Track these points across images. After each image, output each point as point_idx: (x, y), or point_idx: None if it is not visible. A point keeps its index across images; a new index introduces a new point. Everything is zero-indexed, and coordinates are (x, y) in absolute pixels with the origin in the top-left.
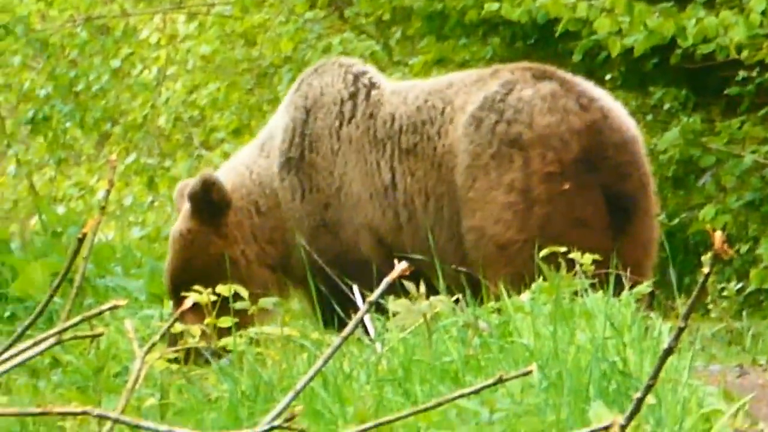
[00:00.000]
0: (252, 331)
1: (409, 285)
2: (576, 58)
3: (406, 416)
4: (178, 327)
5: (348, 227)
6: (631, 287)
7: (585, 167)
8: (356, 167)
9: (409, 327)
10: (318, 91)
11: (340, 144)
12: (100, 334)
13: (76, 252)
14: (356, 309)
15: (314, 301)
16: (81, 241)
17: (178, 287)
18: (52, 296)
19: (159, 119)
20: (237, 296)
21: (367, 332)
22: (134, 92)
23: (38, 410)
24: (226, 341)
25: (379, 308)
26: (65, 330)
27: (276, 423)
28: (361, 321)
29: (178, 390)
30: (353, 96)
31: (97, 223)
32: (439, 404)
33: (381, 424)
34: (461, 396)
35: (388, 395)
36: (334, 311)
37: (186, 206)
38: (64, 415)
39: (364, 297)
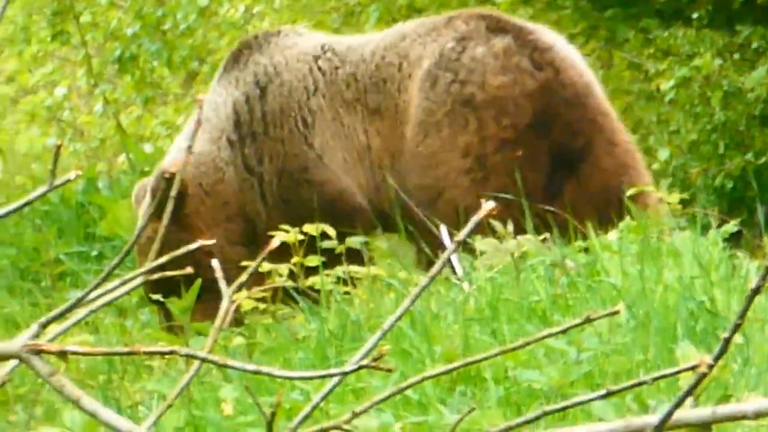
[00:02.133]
0: (339, 270)
1: (496, 224)
2: None
3: (494, 356)
4: (266, 266)
5: (336, 183)
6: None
7: (537, 132)
8: (336, 134)
9: (497, 266)
10: (271, 69)
11: (312, 116)
12: (189, 273)
13: (165, 191)
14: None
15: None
16: (169, 180)
17: (157, 293)
18: (139, 235)
19: None
20: (324, 235)
21: (454, 271)
22: (221, 31)
23: (126, 350)
24: (314, 280)
25: (467, 247)
26: (153, 269)
27: (363, 362)
28: (449, 260)
29: (266, 329)
30: (311, 70)
31: (184, 163)
32: (527, 343)
33: (468, 364)
34: (549, 335)
35: (475, 334)
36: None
37: (146, 206)
38: (151, 354)
39: (451, 236)
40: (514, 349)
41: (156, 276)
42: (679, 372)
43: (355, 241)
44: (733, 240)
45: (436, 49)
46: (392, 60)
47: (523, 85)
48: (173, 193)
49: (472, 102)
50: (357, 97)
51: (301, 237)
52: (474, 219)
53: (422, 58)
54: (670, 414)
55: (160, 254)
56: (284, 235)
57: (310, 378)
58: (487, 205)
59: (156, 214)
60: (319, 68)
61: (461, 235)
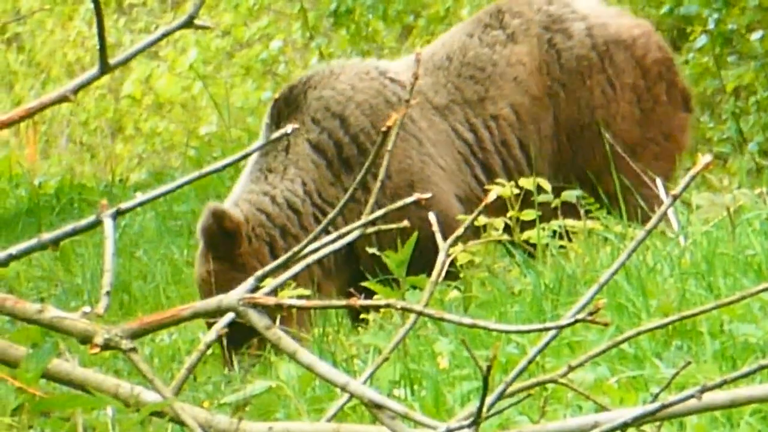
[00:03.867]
0: (555, 223)
1: (712, 177)
2: None
3: (710, 309)
4: (482, 219)
5: (438, 204)
6: None
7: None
8: (434, 142)
9: (712, 220)
10: (340, 97)
11: (403, 128)
12: (405, 227)
13: (380, 145)
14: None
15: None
16: (385, 134)
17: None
18: (354, 191)
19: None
20: (540, 189)
21: (670, 225)
22: None
23: (342, 302)
24: (529, 234)
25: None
26: (369, 222)
27: (579, 316)
28: (665, 214)
29: (481, 283)
30: (385, 85)
31: (403, 115)
32: (743, 297)
33: (684, 318)
34: (765, 290)
35: (691, 288)
36: (637, 205)
37: (200, 247)
38: (367, 307)
39: (667, 190)
40: (730, 303)
41: (372, 229)
42: None
43: (571, 194)
44: None
45: (536, 15)
46: (480, 51)
47: (641, 26)
48: (221, 228)
49: (619, 40)
50: (451, 99)
51: (516, 191)
52: (692, 172)
53: (519, 30)
54: None
55: (214, 293)
56: (499, 189)
57: (526, 332)
58: (705, 159)
59: (208, 252)
60: (393, 80)
61: (679, 188)
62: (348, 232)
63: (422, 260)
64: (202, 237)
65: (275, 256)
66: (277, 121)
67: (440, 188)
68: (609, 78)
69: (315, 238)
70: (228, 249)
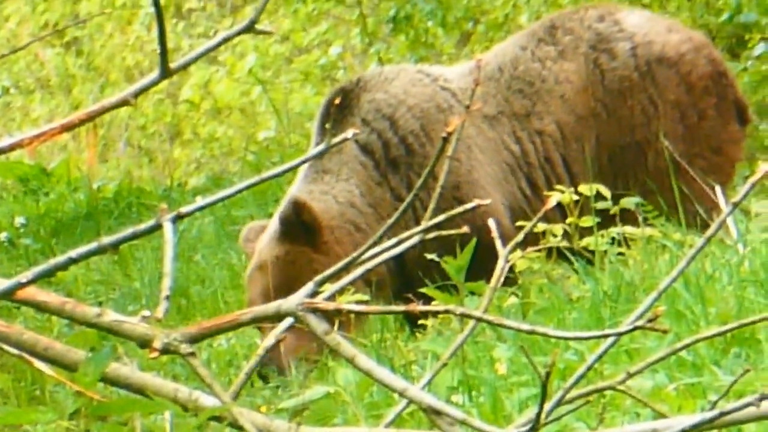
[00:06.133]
0: (614, 230)
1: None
2: None
3: None
4: (541, 226)
5: (482, 197)
6: None
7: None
8: (482, 148)
9: None
10: (393, 100)
11: (454, 132)
12: (465, 233)
13: (440, 152)
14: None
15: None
16: (446, 140)
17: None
18: (416, 195)
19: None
20: (599, 195)
21: (729, 233)
22: None
23: (401, 308)
24: (588, 241)
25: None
26: (430, 228)
27: (638, 323)
28: (724, 222)
29: (539, 289)
30: (437, 91)
31: (462, 122)
32: None
33: (744, 326)
34: None
35: (750, 296)
36: (696, 213)
37: (273, 233)
38: (426, 313)
39: (727, 198)
40: None
41: (432, 234)
42: None
43: (630, 201)
44: None
45: (585, 33)
46: (530, 65)
47: (691, 40)
48: (300, 219)
49: (663, 59)
50: (500, 110)
51: (576, 197)
52: (751, 180)
53: (569, 48)
54: None
55: (290, 270)
56: (559, 195)
57: (585, 338)
58: (764, 167)
59: (285, 239)
60: (444, 88)
61: (739, 196)
62: (408, 237)
63: (477, 268)
64: (282, 225)
65: (355, 248)
66: (329, 122)
67: (488, 193)
68: (650, 96)
69: (375, 243)
70: (307, 238)
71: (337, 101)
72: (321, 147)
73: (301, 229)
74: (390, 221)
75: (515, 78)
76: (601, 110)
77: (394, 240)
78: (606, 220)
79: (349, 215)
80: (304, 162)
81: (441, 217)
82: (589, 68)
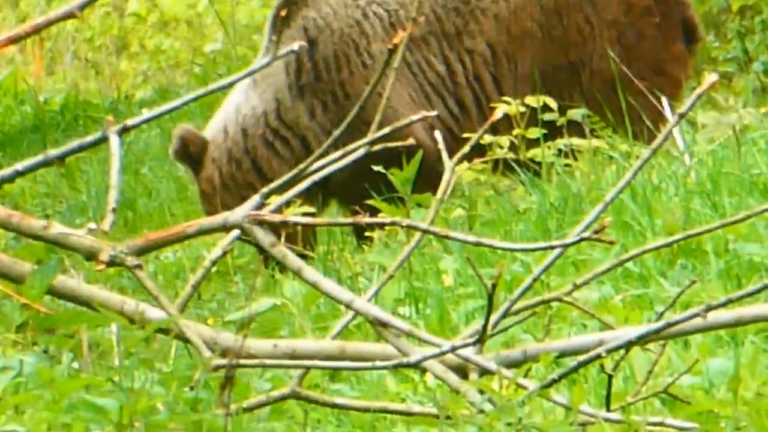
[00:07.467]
0: (561, 142)
1: (719, 97)
2: None
3: (715, 229)
4: (487, 138)
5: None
6: None
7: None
8: (400, 74)
9: (718, 139)
10: (321, 21)
11: (373, 59)
12: (411, 144)
13: (385, 65)
14: None
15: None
16: (391, 52)
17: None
18: (359, 113)
19: None
20: (546, 107)
21: (676, 144)
22: None
23: (348, 220)
24: (535, 152)
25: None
26: (375, 140)
27: (585, 235)
28: (670, 133)
29: (486, 201)
30: (366, 15)
31: (407, 34)
32: (748, 217)
33: (689, 237)
34: None
35: (696, 208)
36: (643, 124)
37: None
38: (373, 225)
39: (673, 109)
40: (735, 222)
41: (378, 147)
42: None
43: (576, 113)
44: None
45: None
46: None
47: None
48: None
49: None
50: (429, 30)
51: (522, 109)
52: (697, 91)
53: None
54: None
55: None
56: (505, 107)
57: (531, 250)
58: (710, 78)
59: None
60: (374, 13)
61: (684, 107)
62: (353, 149)
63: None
64: (176, 161)
65: (223, 183)
66: (275, 34)
67: (403, 116)
68: (587, 16)
69: (318, 157)
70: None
71: (282, 14)
72: (266, 60)
73: (189, 162)
74: (335, 132)
75: None
76: (536, 30)
77: (338, 153)
78: (553, 131)
79: (228, 143)
80: (250, 74)
81: (385, 130)
82: None
